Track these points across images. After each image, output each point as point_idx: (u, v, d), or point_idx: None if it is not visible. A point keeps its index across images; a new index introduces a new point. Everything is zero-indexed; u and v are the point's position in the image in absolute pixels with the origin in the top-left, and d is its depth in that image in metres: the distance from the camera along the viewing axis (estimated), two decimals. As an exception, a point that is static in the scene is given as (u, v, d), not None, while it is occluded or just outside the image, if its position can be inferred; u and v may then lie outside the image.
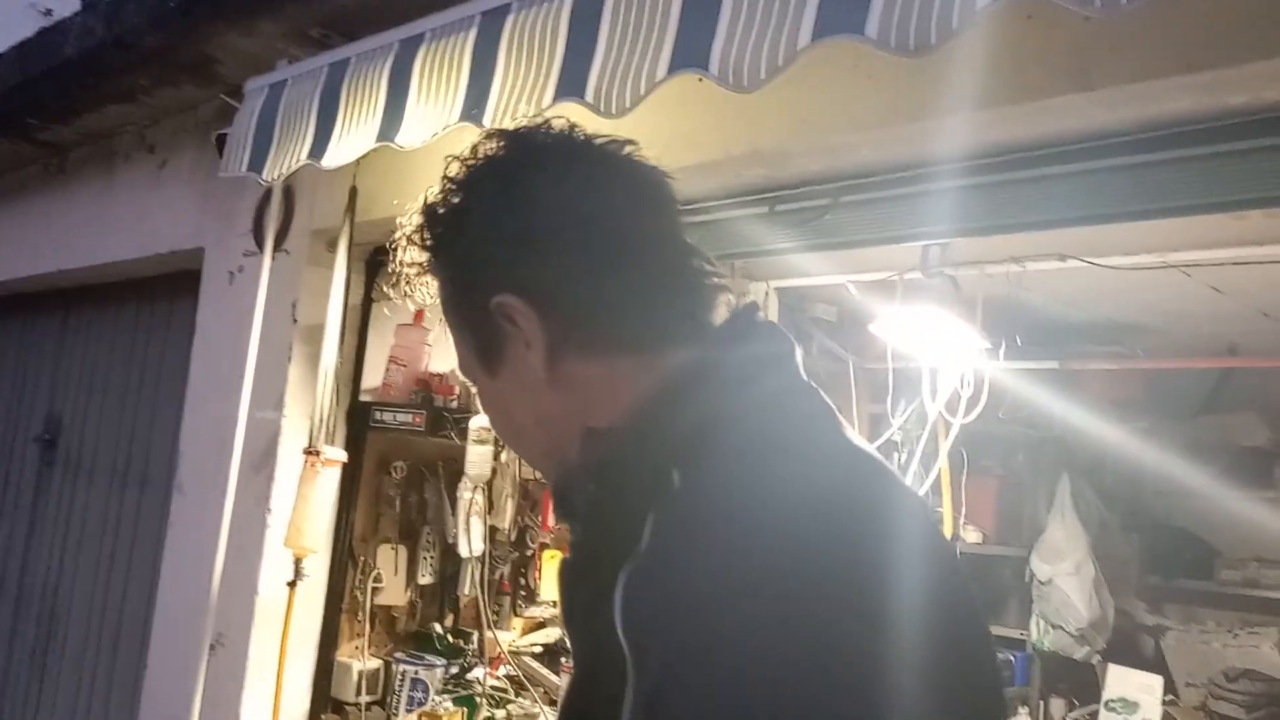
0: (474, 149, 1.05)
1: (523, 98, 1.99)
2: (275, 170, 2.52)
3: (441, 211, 1.03)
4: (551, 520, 3.49)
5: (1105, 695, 4.04)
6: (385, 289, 3.13)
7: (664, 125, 2.21)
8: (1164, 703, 3.96)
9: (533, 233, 0.99)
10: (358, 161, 2.56)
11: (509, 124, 1.14)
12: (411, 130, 2.18)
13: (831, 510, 0.81)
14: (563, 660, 3.30)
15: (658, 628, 0.75)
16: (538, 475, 3.47)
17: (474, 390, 1.11)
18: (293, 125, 2.51)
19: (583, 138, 1.05)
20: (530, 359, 0.99)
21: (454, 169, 1.04)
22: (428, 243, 1.04)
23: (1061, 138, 1.96)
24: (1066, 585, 4.34)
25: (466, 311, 1.04)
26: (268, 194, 3.15)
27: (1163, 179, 1.95)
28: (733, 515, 0.79)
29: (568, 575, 0.96)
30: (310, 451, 2.86)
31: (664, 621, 0.75)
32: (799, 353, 1.00)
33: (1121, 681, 4.04)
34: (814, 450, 0.90)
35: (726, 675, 0.70)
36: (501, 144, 1.04)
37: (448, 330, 1.09)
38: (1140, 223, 2.23)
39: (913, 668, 0.75)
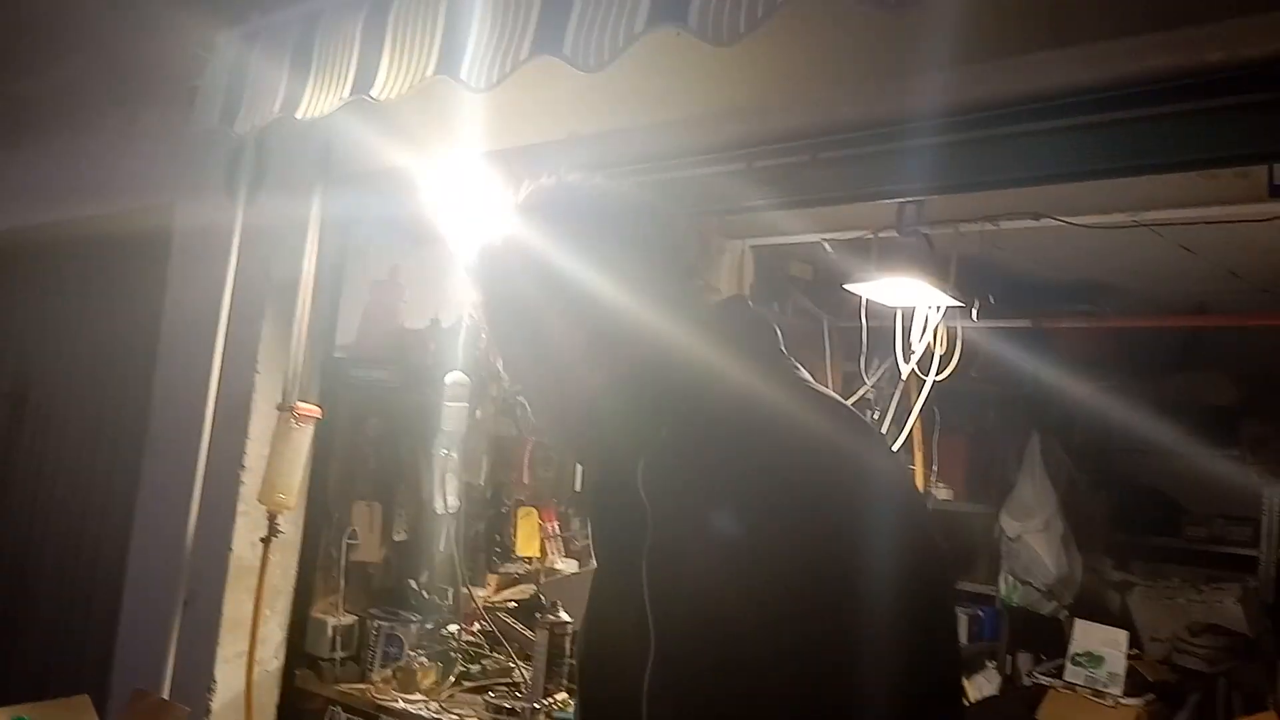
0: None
1: (499, 51, 1.97)
2: (248, 123, 2.48)
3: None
4: (527, 477, 3.50)
5: (1072, 649, 4.10)
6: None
7: (642, 81, 2.19)
8: (1129, 656, 4.02)
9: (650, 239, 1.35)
10: (332, 115, 2.52)
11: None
12: (386, 83, 2.15)
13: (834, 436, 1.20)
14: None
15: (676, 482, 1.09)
16: (513, 432, 3.47)
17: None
18: (265, 78, 2.47)
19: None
20: None
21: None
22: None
23: (1039, 94, 1.95)
24: (1035, 542, 4.39)
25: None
26: (240, 148, 3.10)
27: (1139, 136, 1.95)
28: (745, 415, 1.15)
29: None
30: (284, 407, 2.85)
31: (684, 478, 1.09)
32: (779, 335, 1.32)
33: (1087, 636, 4.10)
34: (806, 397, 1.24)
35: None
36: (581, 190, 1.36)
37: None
38: (1114, 181, 2.25)
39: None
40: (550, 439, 1.24)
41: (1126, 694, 3.93)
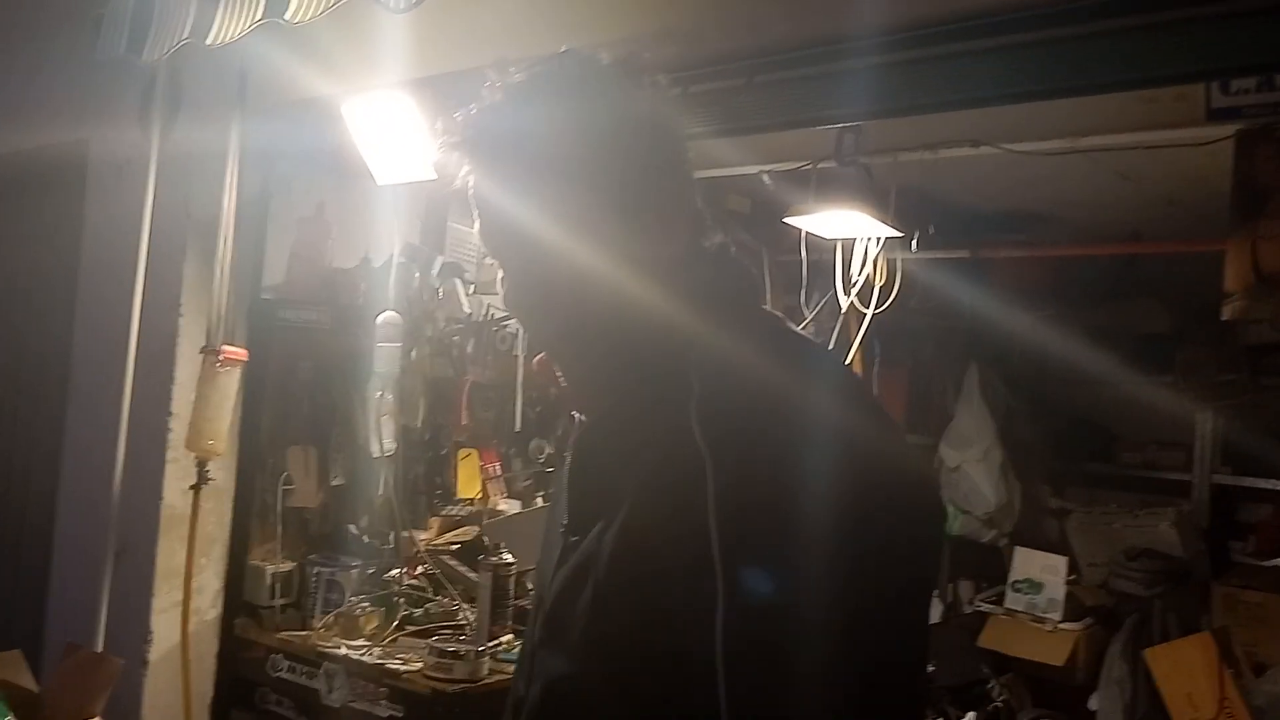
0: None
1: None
2: (155, 51, 2.37)
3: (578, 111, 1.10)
4: (465, 418, 3.44)
5: (1011, 577, 4.15)
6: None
7: (569, 4, 2.12)
8: (1067, 582, 4.07)
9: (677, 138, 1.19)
10: (247, 40, 2.42)
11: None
12: (301, 4, 2.06)
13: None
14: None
15: (748, 436, 0.96)
16: (450, 373, 3.40)
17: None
18: (173, 2, 2.35)
19: None
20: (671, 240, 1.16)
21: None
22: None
23: (977, 10, 1.92)
24: (974, 472, 4.42)
25: (624, 185, 1.09)
26: (153, 78, 2.97)
27: (1077, 53, 1.93)
28: (778, 369, 1.04)
29: (590, 443, 1.15)
30: (208, 351, 2.76)
31: (756, 431, 0.96)
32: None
33: (1027, 563, 4.15)
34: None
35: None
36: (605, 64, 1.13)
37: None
38: (1052, 106, 2.22)
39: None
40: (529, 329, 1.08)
41: (1065, 619, 3.99)
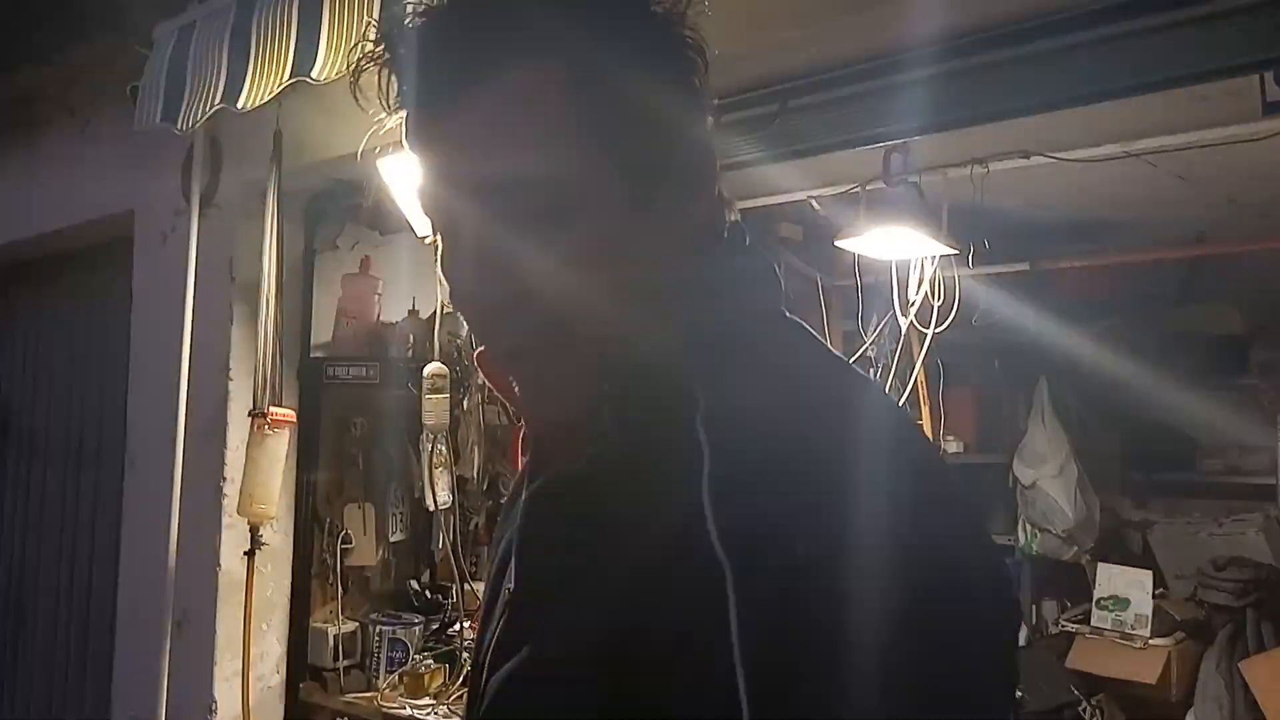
0: None
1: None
2: (189, 119, 2.38)
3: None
4: (520, 465, 3.39)
5: (1096, 594, 4.02)
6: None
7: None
8: (1155, 596, 3.94)
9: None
10: (280, 104, 2.42)
11: None
12: (328, 62, 2.04)
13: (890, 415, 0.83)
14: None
15: (779, 530, 0.67)
16: (504, 419, 3.36)
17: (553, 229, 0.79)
18: (204, 69, 2.36)
19: None
20: (696, 208, 0.84)
21: None
22: (572, 19, 0.79)
23: (1016, 17, 1.85)
24: (1050, 488, 4.30)
25: (636, 124, 0.80)
26: (193, 147, 2.99)
27: (1126, 53, 1.87)
28: (812, 418, 0.75)
29: (557, 498, 0.83)
30: (256, 414, 2.74)
31: (789, 523, 0.68)
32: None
33: (1111, 579, 4.01)
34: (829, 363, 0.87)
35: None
36: None
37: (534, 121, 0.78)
38: (1103, 111, 2.14)
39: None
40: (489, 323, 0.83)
41: (1155, 634, 3.84)
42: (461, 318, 1.16)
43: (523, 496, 0.89)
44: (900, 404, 0.89)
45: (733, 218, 0.90)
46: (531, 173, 0.77)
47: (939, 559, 0.70)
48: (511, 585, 0.87)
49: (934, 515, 0.73)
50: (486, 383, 0.91)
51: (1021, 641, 4.29)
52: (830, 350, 0.90)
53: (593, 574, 0.76)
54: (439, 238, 0.85)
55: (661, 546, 0.71)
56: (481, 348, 0.90)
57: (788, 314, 0.88)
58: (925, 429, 4.07)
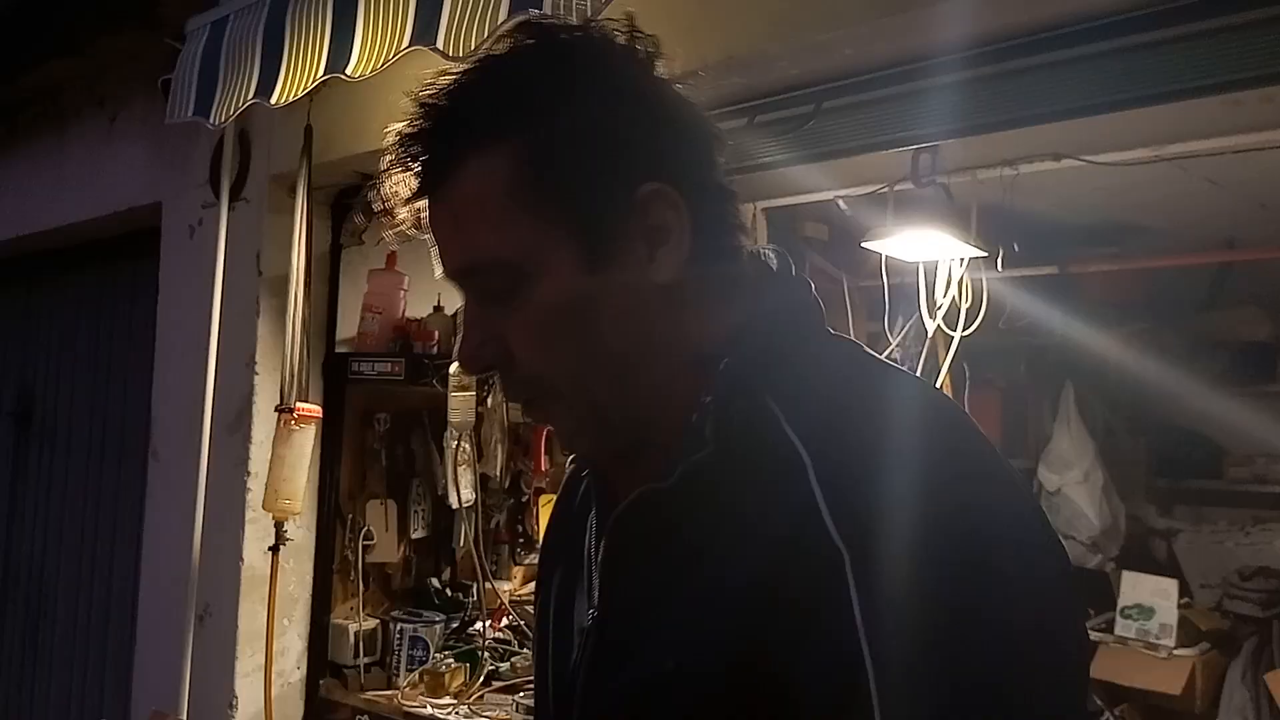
0: (525, 38, 0.92)
1: (476, 16, 1.85)
2: (222, 112, 2.37)
3: (525, 80, 0.88)
4: (545, 464, 3.38)
5: (1121, 602, 3.98)
6: (358, 217, 2.96)
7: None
8: (1180, 606, 3.89)
9: (667, 112, 0.90)
10: (311, 99, 2.41)
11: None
12: (362, 58, 2.03)
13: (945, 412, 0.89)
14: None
15: (888, 519, 0.76)
16: (527, 418, 3.35)
17: (519, 307, 0.88)
18: (237, 63, 2.36)
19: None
20: (662, 260, 0.88)
21: (503, 48, 0.92)
22: (494, 118, 0.87)
23: (1049, 22, 1.83)
24: (1076, 494, 4.27)
25: (579, 195, 0.86)
26: (223, 141, 2.99)
27: (1161, 60, 1.84)
28: (886, 418, 0.83)
29: (647, 515, 0.89)
30: (282, 409, 2.74)
31: (895, 513, 0.77)
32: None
33: (1136, 587, 3.98)
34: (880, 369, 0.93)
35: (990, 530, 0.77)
36: (578, 31, 0.92)
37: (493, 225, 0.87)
38: (1136, 114, 2.11)
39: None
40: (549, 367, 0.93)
41: (1180, 644, 3.80)
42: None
43: (591, 520, 0.98)
44: (948, 397, 0.93)
45: (760, 246, 0.98)
46: (487, 260, 0.87)
47: (1018, 537, 0.79)
48: (595, 609, 0.93)
49: (1004, 497, 0.82)
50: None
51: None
52: (875, 355, 0.95)
53: (702, 583, 0.83)
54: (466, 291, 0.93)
55: (784, 535, 0.78)
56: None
57: (831, 331, 0.96)
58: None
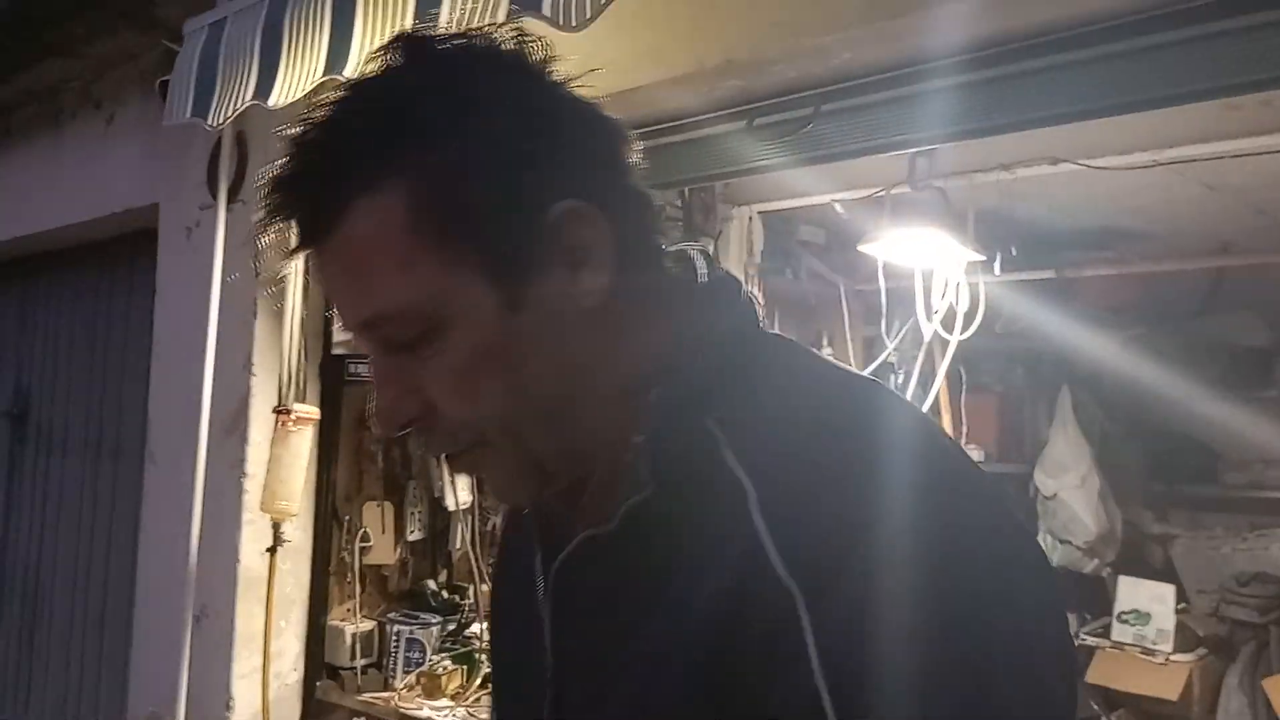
0: (409, 47, 0.81)
1: (474, 15, 1.85)
2: (221, 114, 2.37)
3: (408, 103, 0.79)
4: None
5: (1117, 608, 3.98)
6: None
7: (630, 39, 2.06)
8: (1176, 611, 3.90)
9: (569, 121, 0.82)
10: (309, 100, 2.40)
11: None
12: (360, 60, 2.03)
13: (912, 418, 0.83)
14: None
15: (841, 547, 0.70)
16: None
17: (435, 342, 0.79)
18: (236, 65, 2.36)
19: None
20: (585, 284, 0.80)
21: (397, 60, 0.81)
22: (378, 151, 0.78)
23: (1046, 27, 1.84)
24: (1072, 499, 4.26)
25: (484, 225, 0.78)
26: (220, 142, 2.99)
27: (1158, 64, 1.84)
28: (840, 432, 0.77)
29: (590, 561, 0.83)
30: (280, 410, 2.74)
31: (849, 539, 0.70)
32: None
33: (1133, 593, 3.98)
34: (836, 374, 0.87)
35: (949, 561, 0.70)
36: (460, 41, 0.82)
37: (383, 264, 0.78)
38: (1133, 119, 2.12)
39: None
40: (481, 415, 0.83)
41: (1177, 650, 3.81)
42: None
43: (537, 566, 0.91)
44: (910, 401, 0.85)
45: (684, 244, 0.91)
46: (393, 308, 0.78)
47: (985, 556, 0.72)
48: (551, 659, 0.88)
49: (972, 512, 0.75)
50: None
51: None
52: (825, 359, 0.90)
53: (653, 635, 0.77)
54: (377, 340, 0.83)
55: (728, 581, 0.73)
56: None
57: (768, 331, 0.89)
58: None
